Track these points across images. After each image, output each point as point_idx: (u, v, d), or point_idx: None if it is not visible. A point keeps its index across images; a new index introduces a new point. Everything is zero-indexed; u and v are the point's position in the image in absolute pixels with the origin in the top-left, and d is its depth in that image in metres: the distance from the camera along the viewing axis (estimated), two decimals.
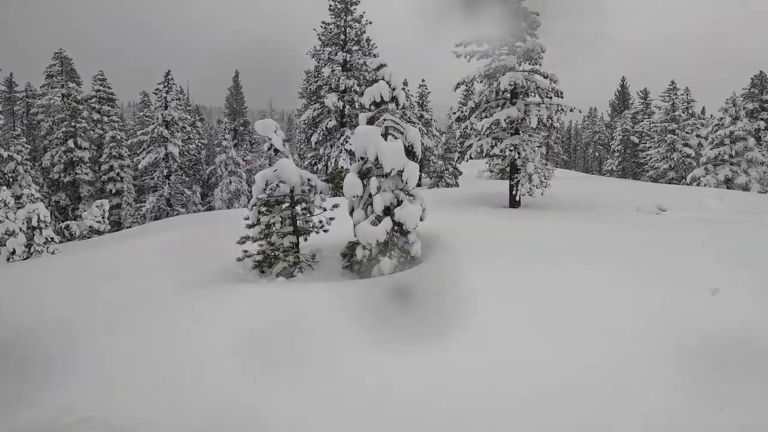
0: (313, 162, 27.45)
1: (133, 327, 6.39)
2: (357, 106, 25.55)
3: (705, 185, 28.93)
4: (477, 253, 8.20)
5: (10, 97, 38.48)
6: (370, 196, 8.62)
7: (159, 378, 5.12)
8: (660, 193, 19.09)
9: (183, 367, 5.31)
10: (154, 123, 31.39)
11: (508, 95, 15.28)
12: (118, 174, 33.78)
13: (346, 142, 25.64)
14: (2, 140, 26.04)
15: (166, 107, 31.21)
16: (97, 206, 21.68)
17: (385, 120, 8.93)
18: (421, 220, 8.66)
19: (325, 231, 9.66)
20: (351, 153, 25.10)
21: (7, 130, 31.94)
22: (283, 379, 5.01)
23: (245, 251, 9.24)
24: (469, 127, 15.68)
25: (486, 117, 15.61)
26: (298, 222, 9.52)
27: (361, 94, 17.26)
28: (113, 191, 33.35)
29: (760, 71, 36.59)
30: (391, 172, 8.25)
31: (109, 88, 35.90)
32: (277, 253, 9.12)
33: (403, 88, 37.58)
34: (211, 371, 5.20)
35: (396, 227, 8.57)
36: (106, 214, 22.02)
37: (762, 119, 35.11)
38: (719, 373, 4.62)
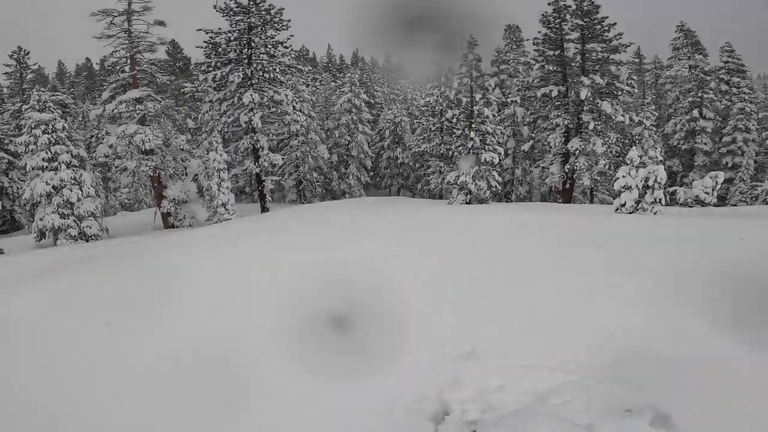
0: None
1: None
2: None
3: None
4: None
5: (639, 68, 41.28)
6: None
7: None
8: None
9: None
10: None
11: None
12: (739, 148, 30.02)
13: None
14: (633, 107, 28.55)
15: None
16: (710, 177, 19.75)
17: None
18: None
19: None
20: None
21: (638, 98, 35.09)
22: None
23: None
24: None
25: None
26: None
27: None
28: (729, 164, 29.95)
29: None
30: None
31: (739, 59, 32.34)
32: None
33: None
34: None
35: None
36: (718, 186, 19.67)
37: None
38: None
